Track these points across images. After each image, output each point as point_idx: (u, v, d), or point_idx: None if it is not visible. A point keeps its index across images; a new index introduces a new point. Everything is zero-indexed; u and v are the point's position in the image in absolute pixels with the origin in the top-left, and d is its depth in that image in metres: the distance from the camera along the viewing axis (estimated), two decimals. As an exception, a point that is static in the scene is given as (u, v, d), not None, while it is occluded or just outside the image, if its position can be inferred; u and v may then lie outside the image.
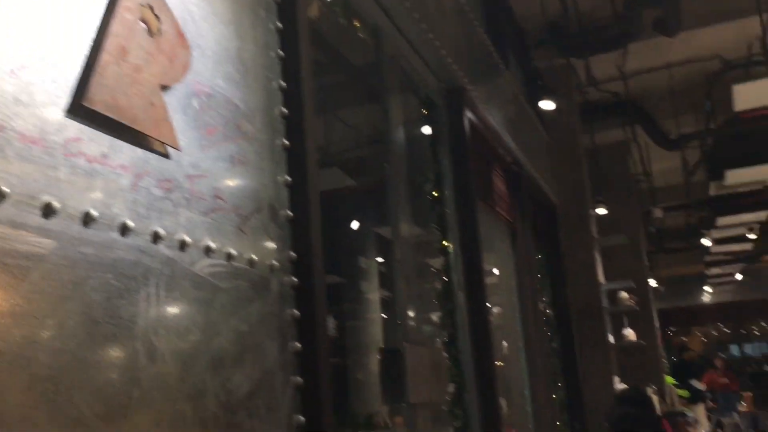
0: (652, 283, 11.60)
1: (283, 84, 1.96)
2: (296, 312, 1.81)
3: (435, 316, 3.54)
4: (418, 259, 3.48)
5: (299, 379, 1.76)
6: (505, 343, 5.27)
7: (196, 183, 1.52)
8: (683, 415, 6.28)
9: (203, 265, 1.49)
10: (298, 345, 1.78)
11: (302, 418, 1.73)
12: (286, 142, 1.93)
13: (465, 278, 3.55)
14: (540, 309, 5.65)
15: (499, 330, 5.37)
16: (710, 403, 12.56)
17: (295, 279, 1.83)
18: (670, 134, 8.22)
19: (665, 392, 6.69)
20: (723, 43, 6.94)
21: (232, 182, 1.65)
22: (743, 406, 13.32)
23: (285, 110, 1.95)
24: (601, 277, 6.95)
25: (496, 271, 5.41)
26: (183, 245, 1.43)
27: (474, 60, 4.34)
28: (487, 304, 3.62)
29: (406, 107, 3.39)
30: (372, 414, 4.08)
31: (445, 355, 3.35)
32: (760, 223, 9.76)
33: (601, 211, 7.62)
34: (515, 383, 5.04)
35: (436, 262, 3.61)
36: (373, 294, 4.87)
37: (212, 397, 1.44)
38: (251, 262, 1.66)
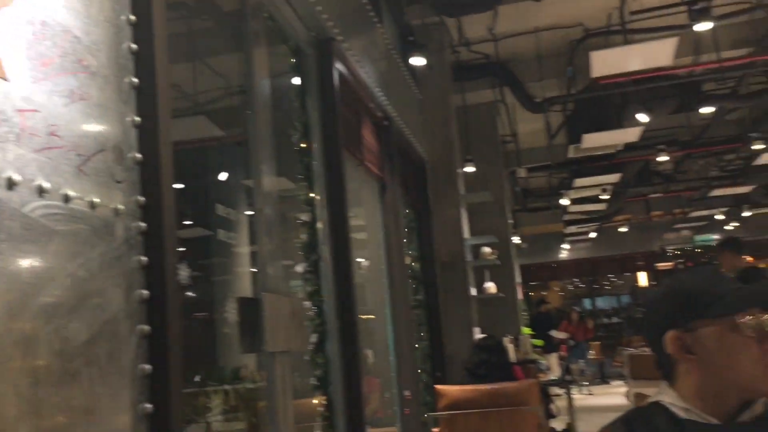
0: (516, 239, 12.22)
1: (133, 18, 1.85)
2: (144, 258, 1.75)
3: (300, 267, 3.55)
4: (284, 211, 3.46)
5: (146, 327, 1.71)
6: (370, 295, 5.39)
7: (28, 118, 1.41)
8: (534, 362, 6.71)
9: (35, 207, 1.40)
10: (146, 292, 1.73)
11: (148, 367, 1.68)
12: (136, 81, 1.83)
13: (330, 230, 3.57)
14: (406, 262, 5.81)
15: (366, 282, 5.48)
16: (563, 352, 13.54)
17: (143, 224, 1.76)
18: (535, 97, 8.57)
19: (520, 341, 7.10)
20: (585, 12, 7.29)
21: (70, 119, 1.55)
22: (592, 354, 14.47)
23: (134, 46, 1.84)
24: (466, 233, 7.22)
25: (363, 224, 5.49)
26: (11, 184, 1.33)
27: (346, 11, 4.30)
28: (352, 256, 3.67)
29: (273, 56, 3.32)
30: (239, 367, 4.07)
31: (308, 305, 3.38)
32: (612, 184, 10.48)
33: (469, 169, 7.87)
34: (380, 334, 5.18)
35: (302, 214, 3.60)
36: (243, 247, 4.80)
37: (44, 345, 1.37)
38: (92, 205, 1.58)
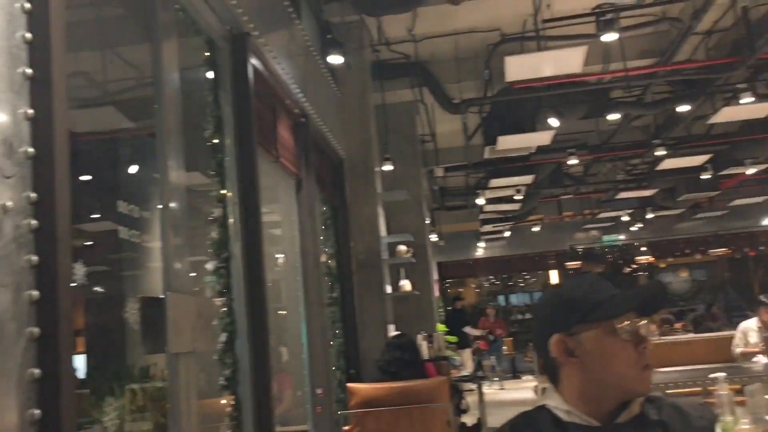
0: (433, 237, 12.39)
1: (28, 6, 1.77)
2: (35, 258, 1.67)
3: (210, 265, 3.48)
4: (194, 207, 3.38)
5: (36, 330, 1.64)
6: (285, 292, 5.35)
7: None
8: (446, 358, 6.84)
9: None
10: (36, 293, 1.66)
11: (38, 371, 1.62)
12: (30, 71, 1.75)
13: (242, 227, 3.52)
14: (322, 259, 5.80)
15: (280, 279, 5.43)
16: (482, 347, 13.87)
17: (34, 222, 1.69)
18: (453, 98, 8.71)
19: (434, 339, 7.22)
20: (502, 17, 7.47)
21: (-47, 111, 1.47)
22: (506, 351, 14.88)
23: (29, 35, 1.76)
24: (383, 231, 7.27)
25: (278, 220, 5.44)
26: None
27: (262, 6, 4.25)
28: (264, 253, 3.63)
29: (185, 48, 3.24)
30: (148, 365, 3.95)
31: (218, 303, 3.32)
32: (526, 185, 10.78)
33: (387, 167, 7.93)
34: (293, 331, 5.15)
35: (214, 210, 3.53)
36: (149, 244, 4.67)
37: None
38: (-23, 202, 1.50)
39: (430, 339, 7.15)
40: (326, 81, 6.24)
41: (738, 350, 6.52)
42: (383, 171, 7.83)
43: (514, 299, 25.67)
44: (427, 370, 5.45)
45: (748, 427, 2.66)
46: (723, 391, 2.91)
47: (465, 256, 18.46)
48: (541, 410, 1.34)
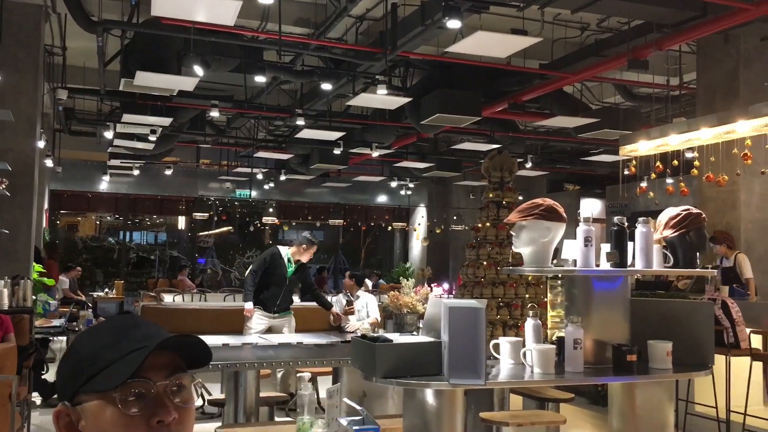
0: (48, 163, 10.94)
1: None
2: None
3: None
4: None
5: None
6: None
7: None
8: (31, 310, 6.00)
9: None
10: None
11: None
12: None
13: None
14: None
15: None
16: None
17: None
18: (92, 15, 7.66)
19: (22, 284, 6.27)
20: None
21: None
22: (115, 294, 13.95)
23: None
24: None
25: None
26: None
27: None
28: None
29: None
30: None
31: None
32: (163, 127, 10.11)
33: (-6, 76, 6.59)
34: None
35: None
36: None
37: None
38: None
39: (16, 283, 6.21)
40: None
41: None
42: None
43: (138, 237, 24.64)
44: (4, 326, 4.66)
45: (321, 430, 2.66)
46: (305, 391, 2.90)
47: (87, 188, 16.90)
48: None
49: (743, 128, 6.37)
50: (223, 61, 8.34)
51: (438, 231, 17.77)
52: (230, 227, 21.39)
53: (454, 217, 18.13)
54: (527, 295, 8.13)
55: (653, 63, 8.64)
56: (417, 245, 18.91)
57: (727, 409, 5.51)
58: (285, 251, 6.65)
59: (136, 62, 7.61)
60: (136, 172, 14.24)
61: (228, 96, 10.52)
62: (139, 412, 0.99)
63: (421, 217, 18.79)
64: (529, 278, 8.13)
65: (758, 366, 5.47)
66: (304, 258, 6.63)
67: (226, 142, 13.87)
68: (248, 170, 14.80)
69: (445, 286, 9.74)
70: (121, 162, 13.63)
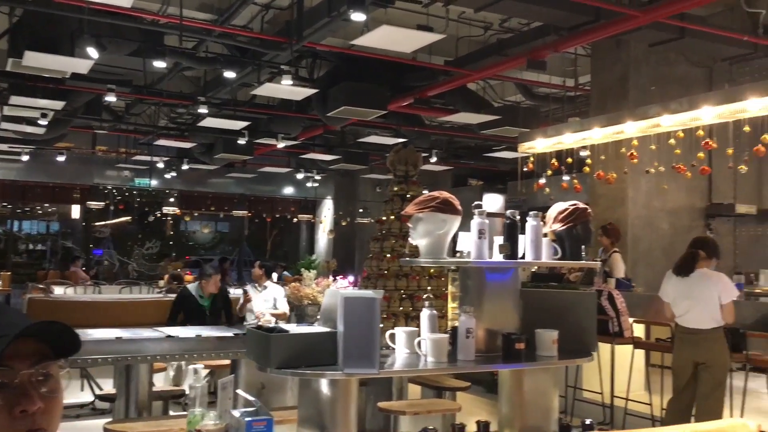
0: None
1: None
2: None
3: None
4: None
5: None
6: None
7: None
8: None
9: None
10: None
11: None
12: None
13: None
14: None
15: None
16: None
17: None
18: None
19: None
20: None
21: None
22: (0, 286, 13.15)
23: None
24: None
25: None
26: None
27: None
28: None
29: None
30: None
31: None
32: (55, 111, 9.61)
33: None
34: None
35: None
36: None
37: None
38: None
39: None
40: None
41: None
42: None
43: (28, 226, 23.40)
44: None
45: (212, 422, 2.62)
46: (198, 383, 2.85)
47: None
48: None
49: (631, 129, 6.72)
50: (121, 44, 8.01)
51: (344, 223, 17.81)
52: (128, 217, 20.61)
53: (361, 210, 18.21)
54: (429, 287, 8.28)
55: (551, 64, 8.97)
56: (323, 237, 18.88)
57: (612, 395, 5.83)
58: (193, 288, 6.65)
59: (26, 41, 7.19)
60: (25, 158, 13.47)
61: (126, 80, 10.12)
62: (1, 401, 0.95)
63: (327, 209, 18.76)
64: (431, 271, 8.28)
65: (640, 354, 5.81)
66: (212, 288, 6.61)
67: (125, 129, 13.35)
68: (148, 158, 14.30)
69: (351, 278, 9.82)
70: (9, 147, 12.87)
